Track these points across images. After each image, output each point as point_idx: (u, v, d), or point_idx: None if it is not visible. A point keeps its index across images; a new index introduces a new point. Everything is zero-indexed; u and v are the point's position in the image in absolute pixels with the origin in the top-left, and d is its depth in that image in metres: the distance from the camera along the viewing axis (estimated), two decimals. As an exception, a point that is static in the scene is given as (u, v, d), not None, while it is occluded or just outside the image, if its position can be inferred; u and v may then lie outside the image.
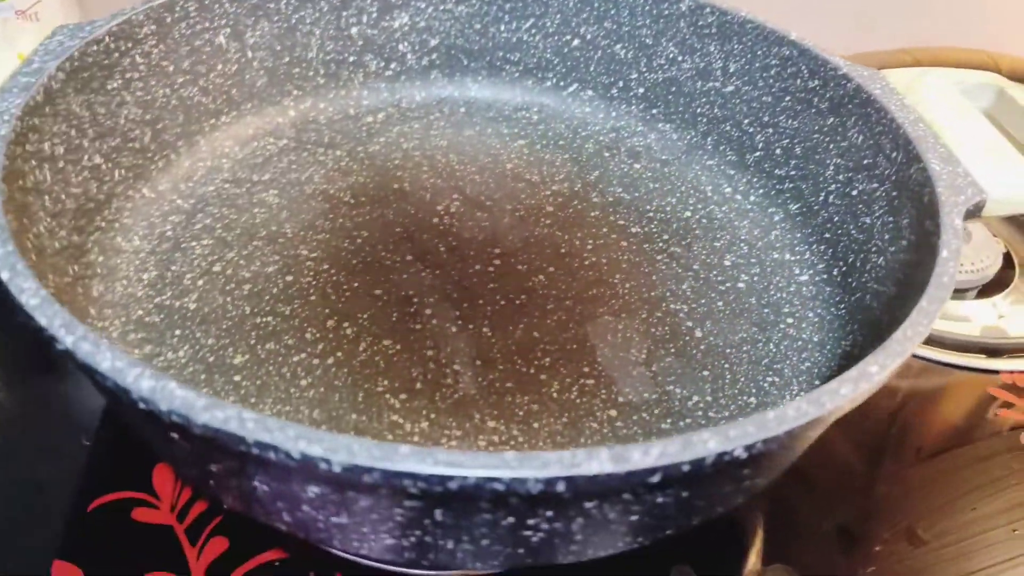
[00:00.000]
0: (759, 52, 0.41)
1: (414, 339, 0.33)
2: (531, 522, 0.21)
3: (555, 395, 0.31)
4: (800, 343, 0.34)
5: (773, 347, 0.34)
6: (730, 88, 0.43)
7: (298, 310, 0.34)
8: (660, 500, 0.22)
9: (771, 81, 0.41)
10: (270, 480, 0.22)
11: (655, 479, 0.20)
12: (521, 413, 0.31)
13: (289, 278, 0.35)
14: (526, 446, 0.29)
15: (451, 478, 0.19)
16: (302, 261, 0.36)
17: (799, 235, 0.39)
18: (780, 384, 0.33)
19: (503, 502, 0.20)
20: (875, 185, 0.35)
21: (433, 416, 0.30)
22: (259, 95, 0.44)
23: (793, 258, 0.38)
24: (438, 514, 0.21)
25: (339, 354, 0.32)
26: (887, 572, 0.32)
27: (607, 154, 0.45)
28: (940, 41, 0.59)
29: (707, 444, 0.20)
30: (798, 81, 0.40)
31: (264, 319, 0.33)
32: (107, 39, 0.35)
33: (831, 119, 0.38)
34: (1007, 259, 0.47)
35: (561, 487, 0.19)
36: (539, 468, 0.19)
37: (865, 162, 0.36)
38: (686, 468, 0.20)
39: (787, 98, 0.40)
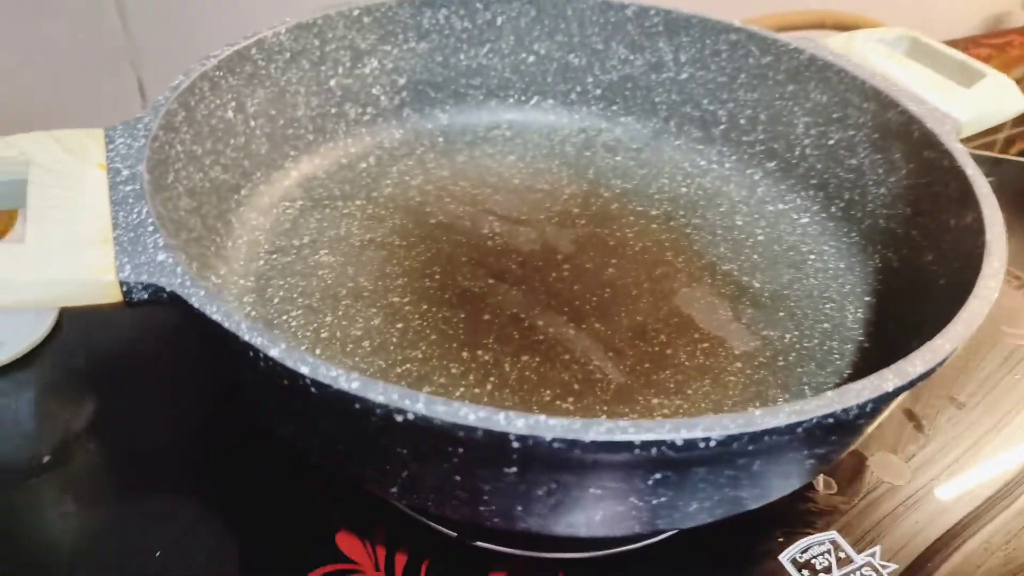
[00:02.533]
0: (707, 41, 0.48)
1: (546, 349, 0.36)
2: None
3: (687, 363, 0.36)
4: (831, 271, 0.41)
5: (814, 280, 0.41)
6: (684, 76, 0.49)
7: (428, 351, 0.35)
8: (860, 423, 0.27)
9: (723, 64, 0.48)
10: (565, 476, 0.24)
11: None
12: (672, 385, 0.35)
13: (400, 326, 0.37)
14: (693, 411, 0.34)
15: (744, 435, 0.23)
16: (400, 307, 0.38)
17: (784, 187, 0.46)
18: (837, 307, 0.39)
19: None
20: (852, 132, 0.43)
21: (606, 408, 0.33)
22: (265, 162, 0.43)
23: (786, 206, 0.46)
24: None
25: (492, 379, 0.34)
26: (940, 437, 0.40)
27: (588, 153, 0.50)
28: (769, 8, 0.70)
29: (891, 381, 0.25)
30: (750, 60, 0.47)
31: (404, 367, 0.35)
32: (160, 134, 0.34)
33: (791, 86, 0.45)
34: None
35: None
36: (854, 397, 0.23)
37: (835, 116, 0.43)
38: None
39: (742, 75, 0.47)
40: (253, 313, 0.37)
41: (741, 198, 0.46)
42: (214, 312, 0.25)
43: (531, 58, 0.51)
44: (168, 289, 0.26)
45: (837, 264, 0.42)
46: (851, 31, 0.45)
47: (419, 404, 0.22)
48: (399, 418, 0.23)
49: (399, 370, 0.35)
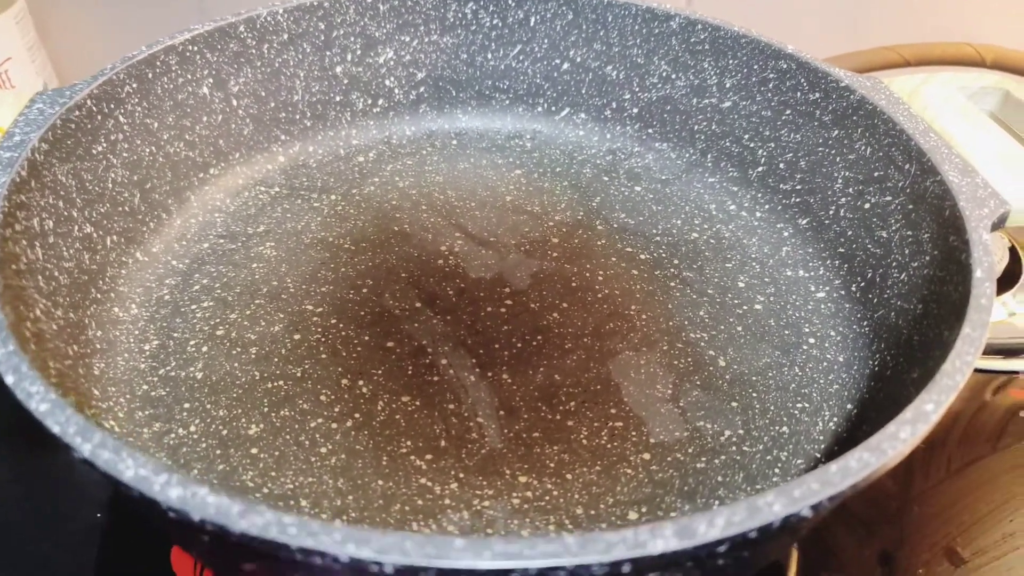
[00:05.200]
0: (755, 67, 0.40)
1: (433, 392, 0.32)
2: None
3: (584, 441, 0.30)
4: (825, 364, 0.34)
5: (798, 370, 0.34)
6: (727, 104, 0.42)
7: (310, 371, 0.33)
8: (720, 562, 0.21)
9: (770, 95, 0.40)
10: (311, 577, 0.20)
11: (722, 549, 0.19)
12: (552, 464, 0.30)
13: (297, 336, 0.34)
14: (561, 500, 0.28)
15: (511, 572, 0.17)
16: (308, 317, 0.35)
17: (811, 250, 0.39)
18: (811, 410, 0.32)
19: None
20: (888, 198, 0.34)
21: (462, 476, 0.29)
22: (246, 143, 0.42)
23: (808, 275, 0.38)
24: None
25: (357, 415, 0.31)
26: (932, 593, 0.31)
27: (606, 178, 0.44)
28: (924, 37, 0.59)
29: (772, 508, 0.19)
30: (798, 94, 0.39)
31: (275, 383, 0.32)
32: (89, 103, 0.34)
33: (836, 131, 0.37)
34: (1013, 254, 0.47)
35: (627, 568, 0.18)
36: (603, 552, 0.18)
37: (876, 174, 0.35)
38: (753, 535, 0.19)
39: (788, 111, 0.40)
40: (167, 297, 0.36)
41: (760, 256, 0.39)
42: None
43: (565, 65, 0.46)
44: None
45: (836, 356, 0.34)
46: (927, 74, 0.37)
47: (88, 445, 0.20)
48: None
49: (269, 385, 0.32)
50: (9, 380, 0.21)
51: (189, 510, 0.18)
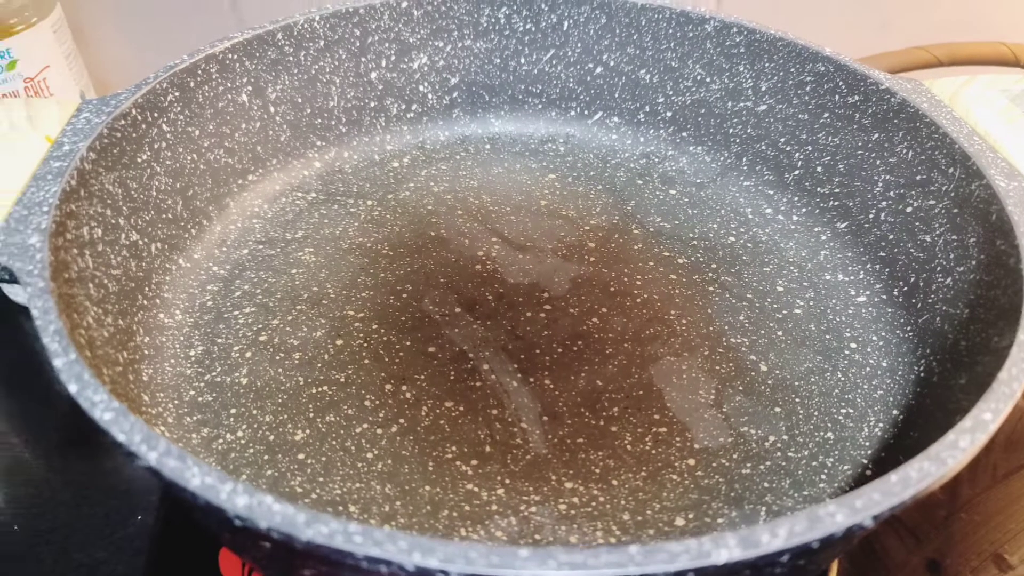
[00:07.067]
0: (792, 70, 0.40)
1: (476, 398, 0.32)
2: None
3: (629, 447, 0.30)
4: (868, 369, 0.34)
5: (841, 375, 0.33)
6: (763, 107, 0.42)
7: (353, 376, 0.33)
8: (777, 571, 0.21)
9: (807, 98, 0.40)
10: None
11: (784, 559, 0.19)
12: (598, 470, 0.30)
13: (339, 342, 0.34)
14: (608, 506, 0.28)
15: (576, 580, 0.18)
16: (350, 322, 0.35)
17: (850, 254, 0.38)
18: (855, 416, 0.32)
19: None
20: (932, 202, 0.34)
21: (508, 481, 0.29)
22: (283, 150, 0.43)
23: (847, 279, 0.38)
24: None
25: (402, 421, 0.31)
26: (979, 599, 0.31)
27: (640, 182, 0.44)
28: (955, 36, 0.59)
29: (835, 518, 0.19)
30: (836, 97, 0.39)
31: (320, 389, 0.32)
32: (133, 111, 0.34)
33: (876, 135, 0.37)
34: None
35: (690, 578, 0.18)
36: (667, 562, 0.18)
37: (918, 178, 0.35)
38: (815, 545, 0.19)
39: (825, 115, 0.39)
40: (209, 303, 0.36)
41: (798, 259, 0.39)
42: (35, 307, 0.24)
43: (598, 69, 0.46)
44: (11, 270, 0.25)
45: (879, 361, 0.34)
46: (968, 76, 0.36)
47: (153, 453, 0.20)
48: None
49: (314, 391, 0.32)
50: (72, 389, 0.21)
51: (256, 519, 0.18)
